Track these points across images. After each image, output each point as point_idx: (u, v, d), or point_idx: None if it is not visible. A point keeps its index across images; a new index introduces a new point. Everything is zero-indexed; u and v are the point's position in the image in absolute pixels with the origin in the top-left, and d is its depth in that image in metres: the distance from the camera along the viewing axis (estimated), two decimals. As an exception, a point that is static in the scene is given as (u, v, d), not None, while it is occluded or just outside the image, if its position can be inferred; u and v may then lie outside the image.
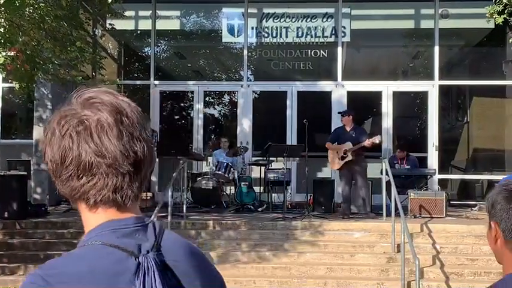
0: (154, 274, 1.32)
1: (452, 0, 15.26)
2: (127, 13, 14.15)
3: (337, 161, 12.04)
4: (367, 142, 11.61)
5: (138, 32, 16.75)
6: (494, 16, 11.61)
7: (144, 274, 1.31)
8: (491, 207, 1.89)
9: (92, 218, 1.41)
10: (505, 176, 13.69)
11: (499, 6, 11.56)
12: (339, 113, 12.70)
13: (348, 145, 11.85)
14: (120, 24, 14.06)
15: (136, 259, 1.33)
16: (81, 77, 11.39)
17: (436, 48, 14.99)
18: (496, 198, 1.89)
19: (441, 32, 15.07)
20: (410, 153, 13.75)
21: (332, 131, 13.29)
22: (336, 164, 12.15)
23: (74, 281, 1.29)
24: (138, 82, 17.04)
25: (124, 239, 1.36)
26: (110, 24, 13.43)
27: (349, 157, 11.81)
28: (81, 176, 1.36)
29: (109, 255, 1.33)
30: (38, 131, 13.39)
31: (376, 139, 11.63)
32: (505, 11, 11.51)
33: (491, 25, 12.80)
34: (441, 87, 15.10)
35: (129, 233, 1.38)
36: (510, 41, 12.35)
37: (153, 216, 9.67)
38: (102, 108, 1.38)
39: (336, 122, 14.91)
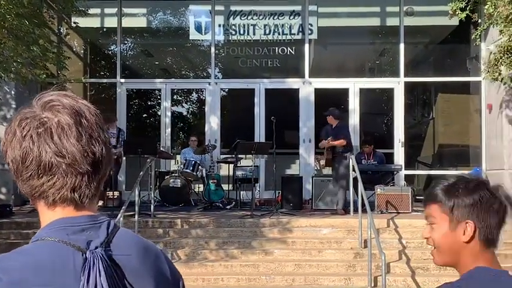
0: (99, 269, 1.35)
1: (417, -2, 15.44)
2: (93, 11, 14.03)
3: (325, 159, 12.34)
4: (326, 142, 11.90)
5: (104, 29, 16.59)
6: (457, 12, 11.77)
7: (89, 269, 1.35)
8: (471, 205, 1.91)
9: (49, 216, 1.46)
10: (470, 171, 13.94)
11: (461, 3, 11.74)
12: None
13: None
14: (85, 22, 13.94)
15: (84, 254, 1.37)
16: (44, 76, 11.23)
17: (402, 46, 15.14)
18: (474, 196, 1.91)
19: (406, 30, 15.23)
20: (377, 150, 13.89)
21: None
22: (325, 162, 12.41)
23: (17, 274, 1.33)
24: (104, 80, 16.89)
25: (74, 236, 1.41)
26: (74, 22, 13.28)
27: (326, 155, 12.01)
28: (41, 175, 1.41)
29: (57, 250, 1.38)
30: (2, 130, 13.16)
31: (328, 141, 11.90)
32: (467, 8, 11.68)
33: (455, 22, 12.98)
34: (407, 84, 15.26)
35: (80, 230, 1.43)
36: (473, 37, 12.51)
37: (119, 215, 9.62)
38: (62, 111, 1.43)
39: (304, 119, 15.03)
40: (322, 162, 12.87)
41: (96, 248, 1.39)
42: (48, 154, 1.40)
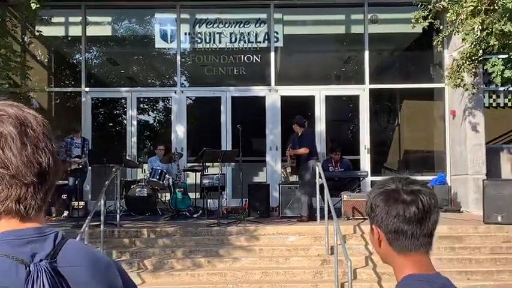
0: (43, 282, 1.34)
1: (381, 6, 15.59)
2: (57, 19, 13.90)
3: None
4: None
5: (69, 38, 16.41)
6: (419, 21, 11.94)
7: (32, 282, 1.33)
8: (371, 211, 1.86)
9: None
10: (435, 177, 14.12)
11: (424, 12, 11.91)
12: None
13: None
14: (49, 31, 13.79)
15: (27, 268, 1.35)
16: (7, 85, 11.07)
17: (366, 53, 15.29)
18: (374, 201, 1.85)
19: (371, 37, 15.39)
20: (344, 156, 13.98)
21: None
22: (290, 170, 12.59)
23: None
24: (69, 89, 16.69)
25: (18, 249, 1.38)
26: (37, 31, 13.12)
27: (291, 163, 12.16)
28: None
29: (0, 264, 1.35)
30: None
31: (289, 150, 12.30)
32: (429, 16, 11.85)
33: (419, 30, 13.15)
34: (372, 90, 15.41)
35: (25, 242, 1.40)
36: (435, 43, 12.69)
37: (84, 225, 9.50)
38: (6, 121, 1.41)
39: (270, 127, 15.06)
40: (289, 169, 12.97)
41: (41, 260, 1.37)
42: None
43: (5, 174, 1.38)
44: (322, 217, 11.00)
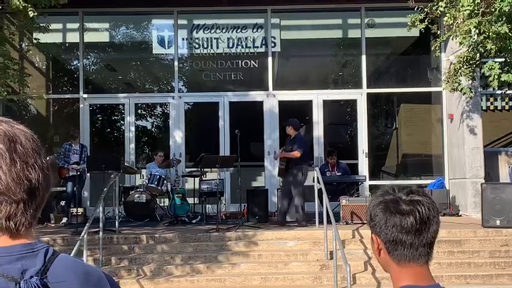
0: None
1: (378, 10, 15.61)
2: (54, 26, 13.88)
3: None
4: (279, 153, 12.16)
5: (67, 45, 16.44)
6: (416, 24, 11.96)
7: None
8: (370, 220, 1.86)
9: None
10: (433, 181, 14.13)
11: (420, 15, 11.93)
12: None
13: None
14: (47, 38, 13.81)
15: (17, 284, 1.34)
16: (5, 93, 11.07)
17: (364, 57, 15.32)
18: (373, 210, 1.85)
19: (368, 41, 15.42)
20: (341, 161, 13.99)
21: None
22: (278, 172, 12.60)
23: None
24: (67, 96, 16.69)
25: (7, 266, 1.37)
26: (35, 38, 13.14)
27: (280, 165, 12.06)
28: None
29: None
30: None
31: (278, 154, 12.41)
32: (426, 19, 11.88)
33: (416, 33, 13.19)
34: (369, 95, 15.44)
35: (15, 259, 1.39)
36: (433, 48, 12.72)
37: (83, 232, 9.50)
38: None
39: (268, 132, 15.07)
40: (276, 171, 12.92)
41: (31, 277, 1.36)
42: None
43: None
44: (321, 222, 11.00)
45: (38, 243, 1.45)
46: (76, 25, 15.54)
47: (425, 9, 11.94)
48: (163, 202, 13.92)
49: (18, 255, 1.40)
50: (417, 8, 12.06)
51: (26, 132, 1.46)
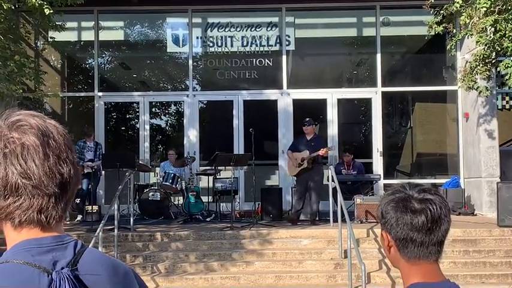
0: None
1: (393, 8, 15.55)
2: (69, 24, 13.97)
3: (293, 168, 12.18)
4: (321, 151, 11.80)
5: (81, 43, 16.54)
6: (434, 27, 11.96)
7: None
8: (382, 217, 1.86)
9: (15, 238, 1.44)
10: (448, 180, 14.06)
11: (437, 18, 11.91)
12: (304, 122, 12.54)
13: (306, 153, 11.97)
14: (62, 36, 13.86)
15: (49, 275, 1.36)
16: (21, 90, 11.15)
17: (378, 56, 15.26)
18: (385, 208, 1.85)
19: (383, 40, 15.35)
20: (356, 159, 13.96)
21: (293, 139, 13.66)
22: (292, 171, 12.30)
23: None
24: (82, 94, 16.80)
25: (39, 257, 1.39)
26: (51, 37, 13.22)
27: (305, 165, 11.94)
28: (7, 196, 1.40)
29: (22, 272, 1.36)
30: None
31: (330, 148, 12.16)
32: (443, 22, 11.88)
33: (432, 32, 13.12)
34: (384, 93, 15.38)
35: (45, 251, 1.41)
36: (448, 47, 12.65)
37: (98, 230, 9.54)
38: (29, 131, 1.42)
39: (283, 130, 15.06)
40: (294, 171, 12.58)
41: (63, 268, 1.38)
42: (14, 175, 1.38)
43: (27, 185, 1.39)
44: (335, 220, 10.98)
45: (67, 236, 1.48)
46: (91, 23, 15.61)
47: (441, 12, 11.92)
48: (178, 200, 13.94)
49: (49, 247, 1.42)
50: (433, 11, 12.03)
51: (58, 127, 1.49)
